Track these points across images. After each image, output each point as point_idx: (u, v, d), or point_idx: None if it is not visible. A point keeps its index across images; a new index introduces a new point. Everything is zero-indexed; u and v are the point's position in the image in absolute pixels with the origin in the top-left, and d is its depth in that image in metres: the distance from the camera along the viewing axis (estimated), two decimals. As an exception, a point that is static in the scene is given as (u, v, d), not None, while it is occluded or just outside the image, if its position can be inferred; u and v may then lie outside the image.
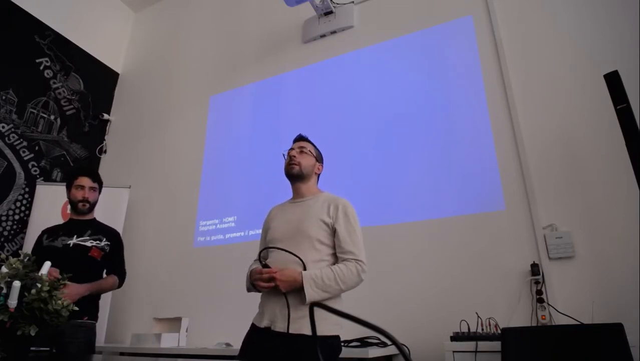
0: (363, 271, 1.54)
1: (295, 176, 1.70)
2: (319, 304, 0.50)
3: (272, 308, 1.50)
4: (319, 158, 1.80)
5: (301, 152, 1.73)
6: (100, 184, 2.37)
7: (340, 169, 2.84)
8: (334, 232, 1.58)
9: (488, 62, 2.59)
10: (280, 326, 1.44)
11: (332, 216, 1.59)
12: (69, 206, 2.42)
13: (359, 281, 1.53)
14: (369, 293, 2.44)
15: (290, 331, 1.41)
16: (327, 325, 1.45)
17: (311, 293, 1.42)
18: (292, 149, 1.76)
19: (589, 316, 1.90)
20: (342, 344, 2.13)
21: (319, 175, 1.81)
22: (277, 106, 3.32)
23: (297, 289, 1.45)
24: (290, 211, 1.68)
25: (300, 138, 1.81)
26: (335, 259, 1.58)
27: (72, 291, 1.94)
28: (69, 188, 2.29)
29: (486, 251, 2.24)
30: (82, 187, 2.26)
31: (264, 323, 1.50)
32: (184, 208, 3.40)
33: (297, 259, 1.48)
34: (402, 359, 1.86)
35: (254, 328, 1.57)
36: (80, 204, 2.25)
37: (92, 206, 2.31)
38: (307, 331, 1.40)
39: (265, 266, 1.48)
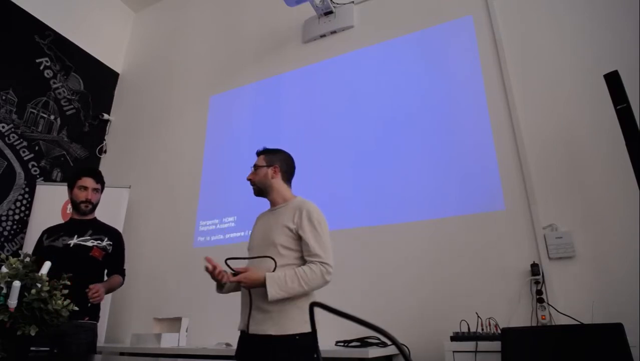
0: (328, 273, 1.58)
1: (259, 194, 1.80)
2: (319, 304, 0.50)
3: (245, 312, 1.63)
4: (272, 162, 1.79)
5: (253, 171, 1.80)
6: (103, 185, 2.37)
7: (340, 169, 2.84)
8: (299, 237, 1.63)
9: (488, 62, 2.59)
10: (252, 329, 1.56)
11: (296, 223, 1.63)
12: (69, 206, 2.42)
13: (323, 282, 1.58)
14: (369, 292, 2.44)
15: (258, 333, 1.54)
16: (293, 324, 1.53)
17: (273, 293, 1.49)
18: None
19: (589, 316, 1.90)
20: (343, 344, 2.14)
21: (287, 175, 1.82)
22: (277, 106, 3.32)
23: (263, 291, 1.52)
24: (265, 220, 1.77)
25: (256, 154, 1.86)
26: (303, 262, 1.64)
27: (100, 288, 2.02)
28: (71, 188, 2.28)
29: (486, 251, 2.24)
30: (85, 188, 2.26)
31: (240, 327, 1.63)
32: (184, 208, 3.40)
33: (268, 264, 1.57)
34: (402, 359, 1.86)
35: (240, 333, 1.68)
36: (82, 205, 2.25)
37: (94, 207, 2.31)
38: (273, 331, 1.51)
39: (234, 273, 1.58)
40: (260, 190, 1.78)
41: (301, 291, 1.53)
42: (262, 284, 1.50)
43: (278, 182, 1.79)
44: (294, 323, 1.52)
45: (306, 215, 1.63)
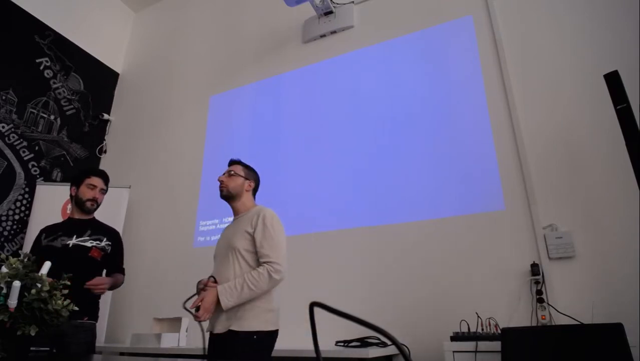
0: (275, 271, 1.67)
1: (225, 197, 1.92)
2: (319, 304, 0.50)
3: (213, 315, 1.72)
4: (249, 176, 1.97)
5: (229, 175, 1.92)
6: (107, 189, 2.38)
7: (340, 169, 2.84)
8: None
9: (488, 62, 2.59)
10: (218, 328, 1.68)
11: (253, 226, 1.77)
12: (69, 206, 2.41)
13: (272, 282, 1.68)
14: (369, 292, 2.44)
15: (222, 331, 1.66)
16: (254, 322, 1.65)
17: (225, 302, 1.63)
18: (223, 174, 1.95)
19: (589, 316, 1.90)
20: (343, 344, 2.14)
21: (254, 191, 1.99)
22: (277, 106, 3.32)
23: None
24: (229, 229, 1.91)
25: (230, 163, 2.01)
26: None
27: (104, 281, 2.06)
28: (78, 185, 2.26)
29: (486, 251, 2.24)
30: (94, 186, 2.26)
31: (207, 328, 1.75)
32: (184, 208, 3.40)
33: (227, 276, 1.72)
34: (402, 359, 1.86)
35: None
36: (89, 203, 2.24)
37: (98, 207, 2.32)
38: (235, 327, 1.64)
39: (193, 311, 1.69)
40: (230, 195, 1.90)
41: (252, 294, 1.65)
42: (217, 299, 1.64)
43: (248, 194, 1.95)
44: (255, 321, 1.65)
45: (262, 219, 1.77)
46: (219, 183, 1.94)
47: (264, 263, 1.69)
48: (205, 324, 1.74)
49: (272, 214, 1.81)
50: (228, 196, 1.91)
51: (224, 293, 1.64)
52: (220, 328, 1.68)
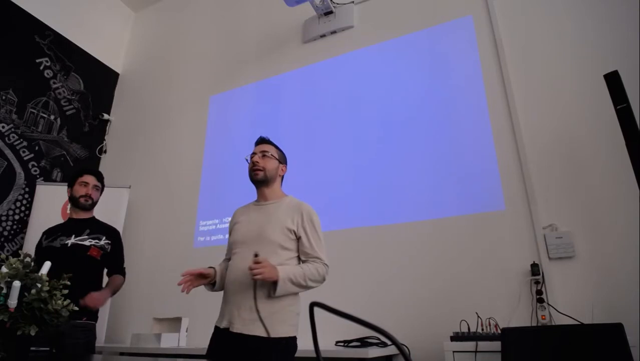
0: (326, 273, 1.60)
1: (259, 181, 1.72)
2: (319, 304, 0.50)
3: (230, 310, 1.57)
4: (282, 159, 1.80)
5: (264, 156, 1.73)
6: (103, 186, 2.41)
7: (340, 168, 2.84)
8: (297, 238, 1.62)
9: (488, 62, 2.59)
10: (237, 328, 1.51)
11: (296, 223, 1.62)
12: (69, 206, 2.42)
13: (322, 282, 1.58)
14: (369, 292, 2.44)
15: (243, 332, 1.49)
16: (284, 327, 1.52)
17: (282, 286, 1.47)
18: (254, 153, 1.75)
19: (589, 316, 1.90)
20: (343, 344, 2.14)
21: (283, 176, 1.82)
22: (277, 106, 3.32)
23: (263, 289, 1.51)
24: (255, 214, 1.71)
25: (262, 141, 1.81)
26: (297, 261, 1.63)
27: (97, 298, 2.02)
28: (72, 185, 2.31)
29: (486, 251, 2.24)
30: (87, 183, 2.30)
31: (223, 324, 1.57)
32: (184, 208, 3.40)
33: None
34: (402, 359, 1.87)
35: (216, 329, 1.62)
36: (82, 199, 2.27)
37: (94, 203, 2.33)
38: (262, 333, 1.47)
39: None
40: (265, 179, 1.70)
41: (304, 287, 1.53)
42: (275, 277, 1.46)
43: (279, 180, 1.79)
44: (284, 326, 1.52)
45: (307, 217, 1.64)
46: (249, 164, 1.73)
47: (320, 263, 1.58)
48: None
49: (314, 211, 1.68)
50: (263, 181, 1.70)
51: (285, 278, 1.46)
52: (241, 328, 1.49)
